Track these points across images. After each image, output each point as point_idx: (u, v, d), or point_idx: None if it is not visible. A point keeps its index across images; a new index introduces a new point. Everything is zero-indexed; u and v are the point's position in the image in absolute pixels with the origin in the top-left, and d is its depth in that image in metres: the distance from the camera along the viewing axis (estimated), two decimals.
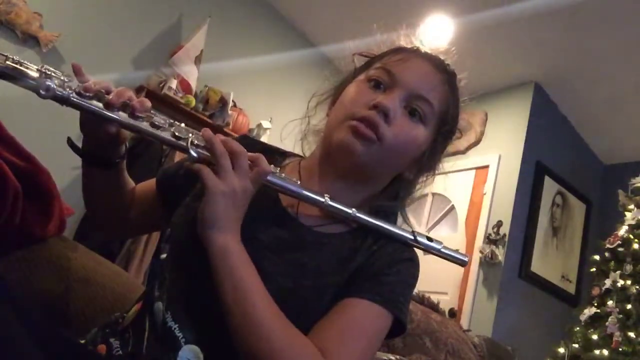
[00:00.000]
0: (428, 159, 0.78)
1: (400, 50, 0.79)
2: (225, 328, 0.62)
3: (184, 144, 0.63)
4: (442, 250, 0.75)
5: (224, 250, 0.61)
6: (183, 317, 0.64)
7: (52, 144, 1.66)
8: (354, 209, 0.70)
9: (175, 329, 0.64)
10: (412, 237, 0.74)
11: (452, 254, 0.76)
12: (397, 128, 0.71)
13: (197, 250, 0.63)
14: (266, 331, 0.59)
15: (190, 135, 0.64)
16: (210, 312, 0.63)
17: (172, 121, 0.66)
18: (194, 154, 0.63)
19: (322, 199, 0.68)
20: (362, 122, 0.69)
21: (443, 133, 0.79)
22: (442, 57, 0.80)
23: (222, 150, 0.62)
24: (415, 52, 0.78)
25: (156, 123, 0.64)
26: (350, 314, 0.66)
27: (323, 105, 0.84)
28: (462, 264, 0.77)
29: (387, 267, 0.70)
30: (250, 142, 0.82)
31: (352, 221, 0.72)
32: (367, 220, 0.71)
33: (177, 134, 0.64)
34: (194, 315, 0.65)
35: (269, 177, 0.66)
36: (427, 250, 0.75)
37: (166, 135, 0.64)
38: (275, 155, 0.83)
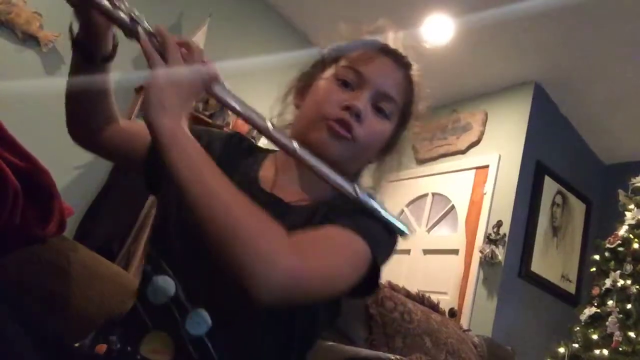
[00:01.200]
0: (390, 147, 0.84)
1: (364, 45, 0.82)
2: (232, 293, 0.62)
3: (135, 27, 0.64)
4: (382, 213, 0.72)
5: (172, 132, 0.60)
6: (188, 286, 0.67)
7: (52, 144, 1.66)
8: (296, 144, 0.69)
9: (180, 295, 0.66)
10: (352, 191, 0.71)
11: (391, 220, 0.73)
12: (367, 127, 0.76)
13: None
14: (232, 207, 0.57)
15: (147, 25, 0.65)
16: (216, 278, 0.65)
17: (145, 23, 0.66)
18: (143, 35, 0.64)
19: (266, 125, 0.68)
20: (337, 123, 0.74)
21: (403, 123, 0.85)
22: (401, 50, 0.84)
23: (174, 42, 0.64)
24: (379, 49, 0.81)
25: (132, 15, 0.65)
26: (325, 230, 0.67)
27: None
28: (401, 234, 0.75)
29: (360, 212, 0.71)
30: (239, 140, 0.86)
31: (316, 195, 0.75)
32: (310, 160, 0.70)
33: (134, 17, 0.65)
34: (201, 282, 0.67)
35: (217, 91, 0.66)
36: (367, 209, 0.71)
37: (122, 16, 0.65)
38: (260, 152, 0.87)
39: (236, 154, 0.83)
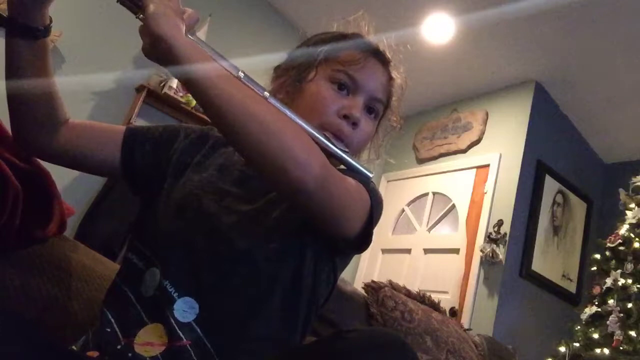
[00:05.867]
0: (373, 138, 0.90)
1: (356, 46, 0.84)
2: (221, 279, 0.67)
3: None
4: (346, 157, 0.76)
5: (192, 47, 0.61)
6: (175, 275, 0.69)
7: None
8: (267, 92, 0.70)
9: (166, 285, 0.68)
10: (325, 139, 0.74)
11: (357, 166, 0.77)
12: (362, 132, 0.81)
13: (197, 216, 0.70)
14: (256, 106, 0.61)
15: None
16: (203, 264, 0.69)
17: None
18: None
19: (237, 74, 0.68)
20: (335, 135, 0.77)
21: (382, 115, 0.90)
22: (382, 47, 0.87)
23: None
24: (369, 51, 0.84)
25: None
26: None
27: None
28: (366, 178, 0.77)
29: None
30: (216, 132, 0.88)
31: None
32: (282, 109, 0.70)
33: None
34: (189, 270, 0.69)
35: (195, 37, 0.67)
36: (331, 154, 0.74)
37: None
38: None
39: (217, 144, 0.86)
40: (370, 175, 0.77)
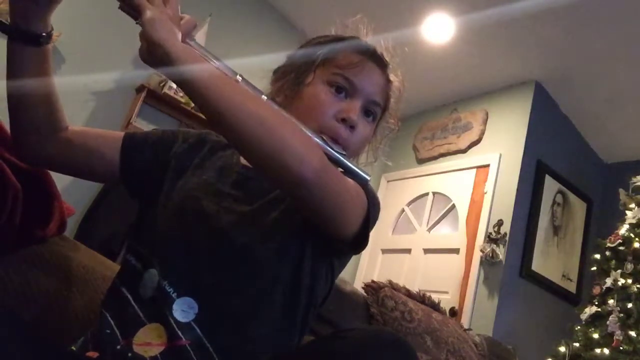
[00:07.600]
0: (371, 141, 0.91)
1: (354, 49, 0.85)
2: (217, 282, 0.68)
3: None
4: (343, 160, 0.76)
5: (190, 52, 0.63)
6: (173, 276, 0.69)
7: None
8: (264, 96, 0.72)
9: (165, 285, 0.68)
10: (323, 143, 0.75)
11: (354, 168, 0.77)
12: (359, 135, 0.82)
13: (196, 216, 0.71)
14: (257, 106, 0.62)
15: None
16: (203, 264, 0.70)
17: None
18: None
19: (235, 78, 0.69)
20: (332, 138, 0.78)
21: (380, 117, 0.90)
22: (380, 50, 0.88)
23: None
24: (367, 54, 0.85)
25: None
26: None
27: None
28: (363, 181, 0.77)
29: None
30: (216, 135, 0.89)
31: None
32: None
33: None
34: (187, 270, 0.70)
35: (194, 42, 0.69)
36: (329, 157, 0.73)
37: None
38: None
39: (215, 148, 0.86)
40: (368, 178, 0.77)
